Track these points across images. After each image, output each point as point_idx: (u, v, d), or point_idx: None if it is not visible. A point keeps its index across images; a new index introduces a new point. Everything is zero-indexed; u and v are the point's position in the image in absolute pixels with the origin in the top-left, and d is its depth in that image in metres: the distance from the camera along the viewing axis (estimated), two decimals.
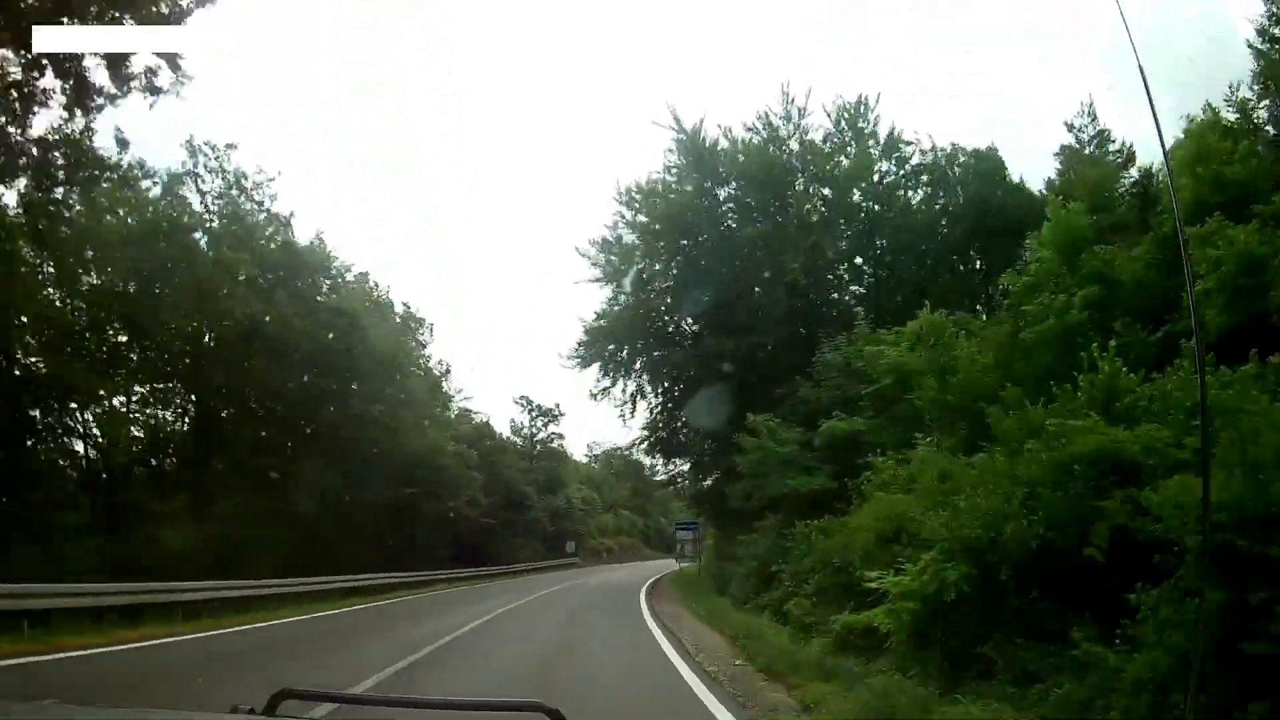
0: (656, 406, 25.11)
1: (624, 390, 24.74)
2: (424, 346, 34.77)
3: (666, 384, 24.61)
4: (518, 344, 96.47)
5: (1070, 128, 18.01)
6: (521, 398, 58.30)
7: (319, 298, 26.16)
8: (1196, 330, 3.84)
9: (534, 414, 59.19)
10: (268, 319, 23.20)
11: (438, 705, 2.02)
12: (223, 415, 24.21)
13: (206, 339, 23.14)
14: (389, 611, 17.67)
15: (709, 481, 25.58)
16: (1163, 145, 4.25)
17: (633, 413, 25.15)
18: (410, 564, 26.97)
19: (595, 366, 24.49)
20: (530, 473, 49.95)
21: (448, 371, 38.56)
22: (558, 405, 58.45)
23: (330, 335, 25.19)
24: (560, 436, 60.35)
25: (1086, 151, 17.60)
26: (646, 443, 27.04)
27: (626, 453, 33.10)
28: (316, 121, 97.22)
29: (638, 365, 24.52)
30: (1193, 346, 5.21)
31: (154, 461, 23.45)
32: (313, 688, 2.21)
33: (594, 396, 24.78)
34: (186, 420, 23.92)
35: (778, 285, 21.37)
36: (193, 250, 22.15)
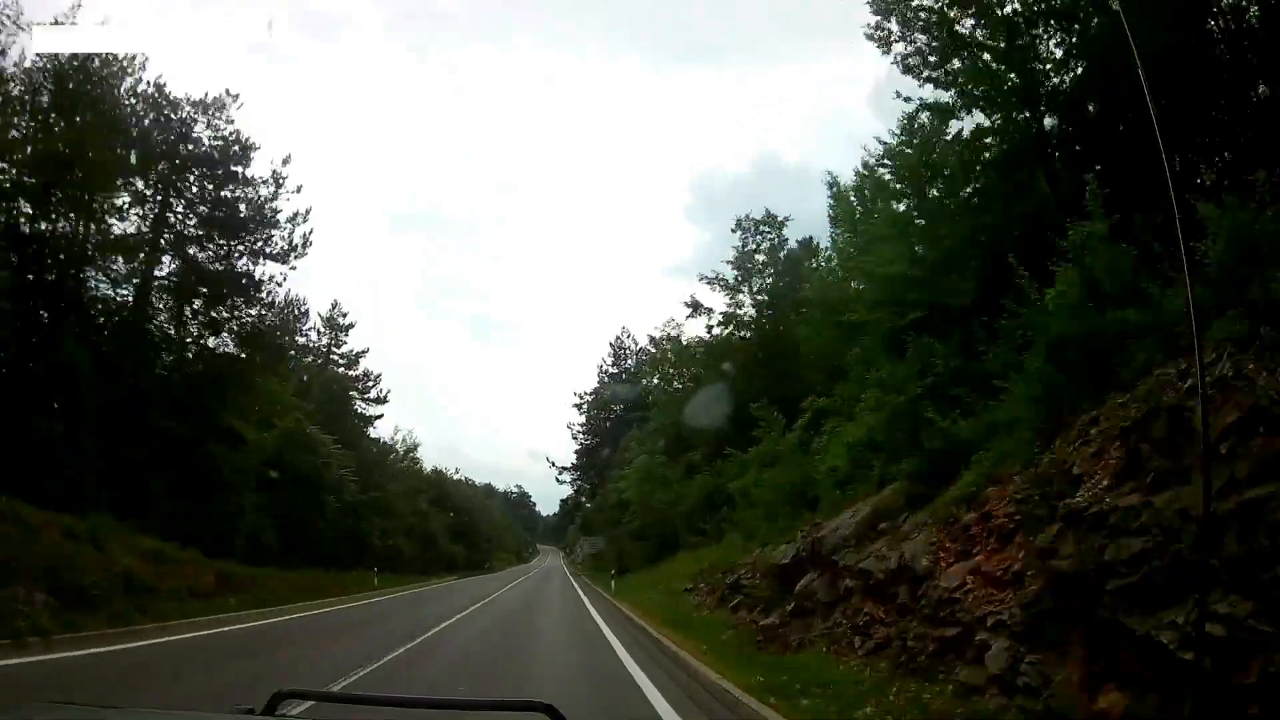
0: None
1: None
2: None
3: None
4: (518, 348, 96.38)
5: None
6: None
7: None
8: (1197, 334, 3.83)
9: None
10: None
11: (438, 705, 2.01)
12: None
13: None
14: None
15: None
16: (1163, 152, 4.24)
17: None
18: None
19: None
20: None
21: None
22: None
23: None
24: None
25: None
26: None
27: None
28: (317, 121, 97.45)
29: None
30: None
31: None
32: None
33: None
34: None
35: None
36: None
